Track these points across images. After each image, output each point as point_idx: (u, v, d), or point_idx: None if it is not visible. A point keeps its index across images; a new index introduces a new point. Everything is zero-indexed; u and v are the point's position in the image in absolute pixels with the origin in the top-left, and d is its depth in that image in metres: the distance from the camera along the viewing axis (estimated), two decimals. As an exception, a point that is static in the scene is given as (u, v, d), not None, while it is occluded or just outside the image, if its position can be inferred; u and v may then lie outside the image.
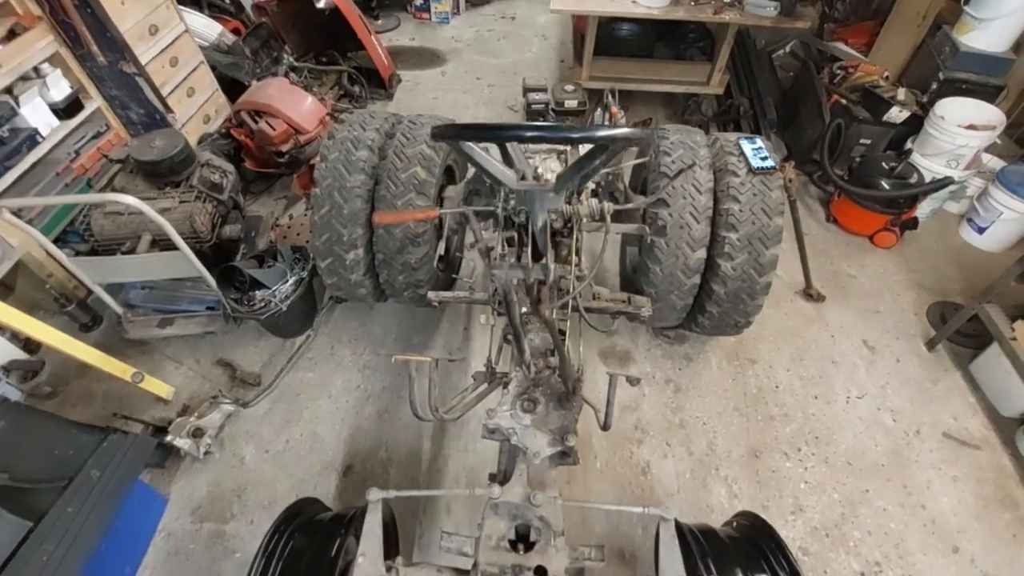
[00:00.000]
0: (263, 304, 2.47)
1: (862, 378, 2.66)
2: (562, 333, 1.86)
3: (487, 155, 1.13)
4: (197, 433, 2.28)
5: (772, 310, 2.93)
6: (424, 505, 2.22)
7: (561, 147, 2.42)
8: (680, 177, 2.11)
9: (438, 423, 2.48)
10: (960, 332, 2.75)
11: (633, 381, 1.66)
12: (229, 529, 2.19)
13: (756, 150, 2.19)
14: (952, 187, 3.23)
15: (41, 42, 2.66)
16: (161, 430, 2.32)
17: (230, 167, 2.80)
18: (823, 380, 2.65)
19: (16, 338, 2.59)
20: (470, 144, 1.08)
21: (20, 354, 2.53)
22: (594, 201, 2.03)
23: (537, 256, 1.52)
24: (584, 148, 1.37)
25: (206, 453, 2.32)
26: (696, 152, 2.21)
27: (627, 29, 4.03)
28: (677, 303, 2.27)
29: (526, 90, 3.55)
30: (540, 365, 1.61)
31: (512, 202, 1.59)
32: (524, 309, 1.29)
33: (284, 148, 3.25)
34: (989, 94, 3.25)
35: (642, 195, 2.34)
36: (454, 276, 2.92)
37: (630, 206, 2.12)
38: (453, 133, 1.04)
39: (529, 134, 1.04)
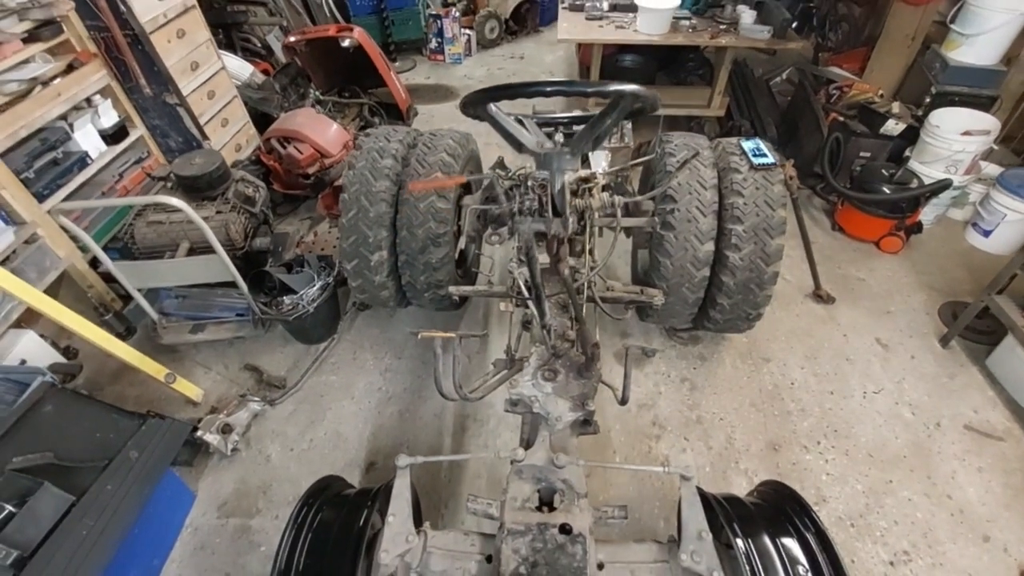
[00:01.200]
0: (291, 307, 2.58)
1: (877, 374, 2.68)
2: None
3: (511, 122, 1.27)
4: (226, 429, 2.36)
5: (783, 312, 2.99)
6: (449, 475, 2.25)
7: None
8: (685, 171, 2.24)
9: (459, 409, 2.54)
10: (973, 329, 2.78)
11: (649, 352, 1.73)
12: (254, 524, 2.22)
13: (756, 149, 2.32)
14: (954, 193, 3.33)
15: (95, 76, 2.93)
16: (192, 429, 2.40)
17: (262, 184, 2.99)
18: (838, 377, 2.67)
19: (56, 345, 2.73)
20: (496, 112, 1.21)
21: (60, 359, 2.66)
22: (605, 195, 2.15)
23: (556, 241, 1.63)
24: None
25: (233, 450, 2.38)
26: (700, 152, 2.35)
27: (630, 60, 4.28)
28: (689, 296, 2.34)
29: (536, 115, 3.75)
30: (560, 341, 1.69)
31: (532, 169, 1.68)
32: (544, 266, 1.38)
33: (310, 171, 3.46)
34: (983, 104, 3.38)
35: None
36: (474, 270, 2.99)
37: (639, 198, 2.24)
38: (481, 98, 1.18)
39: (549, 89, 1.18)
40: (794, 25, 5.50)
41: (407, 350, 2.86)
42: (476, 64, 5.82)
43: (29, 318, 2.66)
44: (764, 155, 2.28)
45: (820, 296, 3.02)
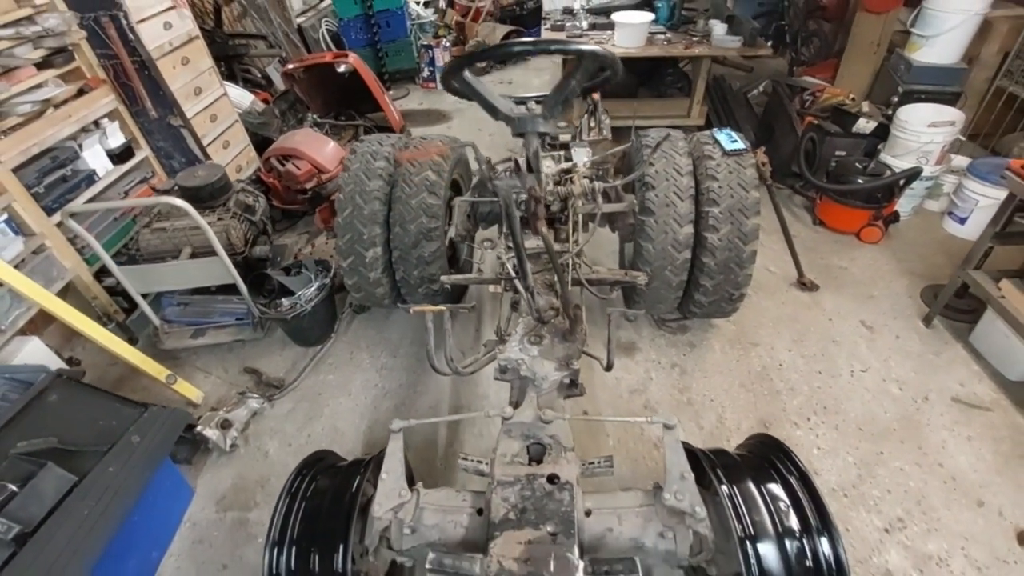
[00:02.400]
0: (289, 307, 2.66)
1: (864, 354, 2.73)
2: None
3: (489, 90, 1.38)
4: (225, 425, 2.40)
5: (769, 301, 3.06)
6: (444, 463, 2.29)
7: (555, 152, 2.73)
8: (661, 160, 2.36)
9: (454, 402, 2.58)
10: (955, 308, 2.85)
11: (630, 317, 1.79)
12: (252, 516, 2.24)
13: (728, 136, 2.45)
14: (928, 184, 3.45)
15: (104, 99, 3.09)
16: (190, 427, 2.44)
17: (261, 194, 3.12)
18: (825, 357, 2.72)
19: (59, 355, 2.79)
20: (473, 80, 1.33)
21: (63, 365, 2.72)
22: (586, 181, 2.27)
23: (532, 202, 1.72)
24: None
25: (232, 446, 2.42)
26: (675, 143, 2.48)
27: (612, 76, 4.49)
28: (672, 279, 2.42)
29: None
30: (545, 308, 1.77)
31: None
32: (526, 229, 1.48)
33: (308, 185, 3.59)
34: (948, 100, 3.54)
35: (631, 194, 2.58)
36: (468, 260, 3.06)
37: (617, 183, 2.35)
38: (458, 65, 1.29)
39: (517, 50, 1.30)
40: (770, 43, 5.80)
41: (402, 349, 2.92)
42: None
43: (33, 327, 2.74)
44: (736, 141, 2.41)
45: (804, 284, 3.10)
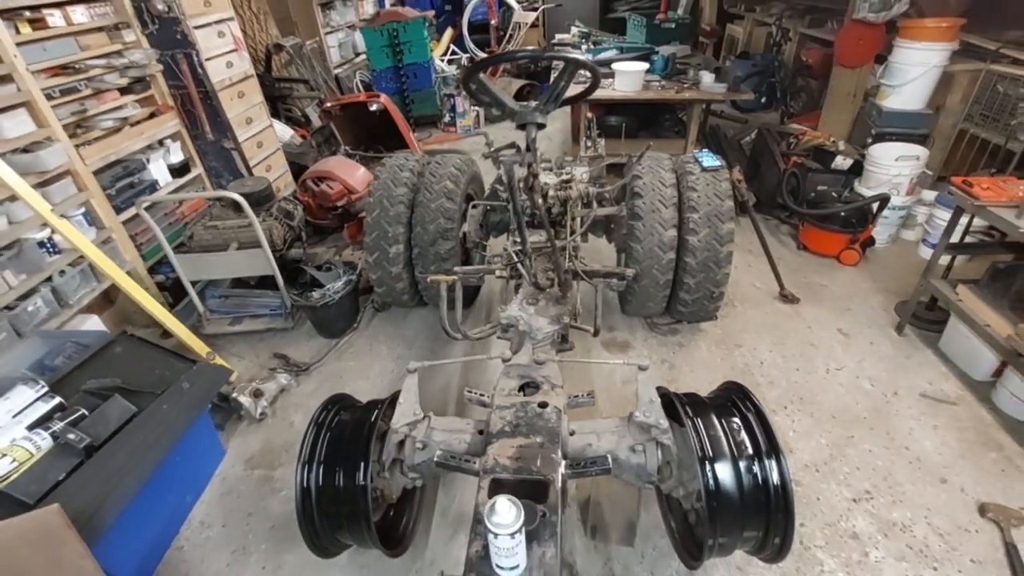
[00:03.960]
0: (319, 297, 3.00)
1: (840, 355, 2.96)
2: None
3: (500, 95, 1.76)
4: (257, 394, 2.68)
5: (753, 310, 3.33)
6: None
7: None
8: (648, 174, 2.72)
9: (462, 382, 2.82)
10: (925, 319, 3.09)
11: (615, 287, 2.09)
12: (276, 474, 2.48)
13: (706, 156, 2.83)
14: (901, 213, 3.78)
15: (170, 123, 3.60)
16: (225, 398, 2.72)
17: (300, 204, 3.54)
18: (803, 357, 2.96)
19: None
20: (487, 82, 1.70)
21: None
22: (583, 185, 2.63)
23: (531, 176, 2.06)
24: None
25: (261, 415, 2.68)
26: (661, 161, 2.86)
27: (615, 120, 4.99)
28: (659, 277, 2.72)
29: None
30: (542, 276, 2.08)
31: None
32: (524, 198, 1.80)
33: (339, 203, 4.02)
34: (917, 141, 3.93)
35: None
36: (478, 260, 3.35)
37: (608, 189, 2.71)
38: (474, 68, 1.67)
39: (519, 56, 1.68)
40: (763, 100, 6.35)
41: (417, 343, 3.21)
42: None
43: (94, 307, 3.09)
44: (713, 160, 2.79)
45: (785, 296, 3.37)
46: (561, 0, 8.68)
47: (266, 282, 3.27)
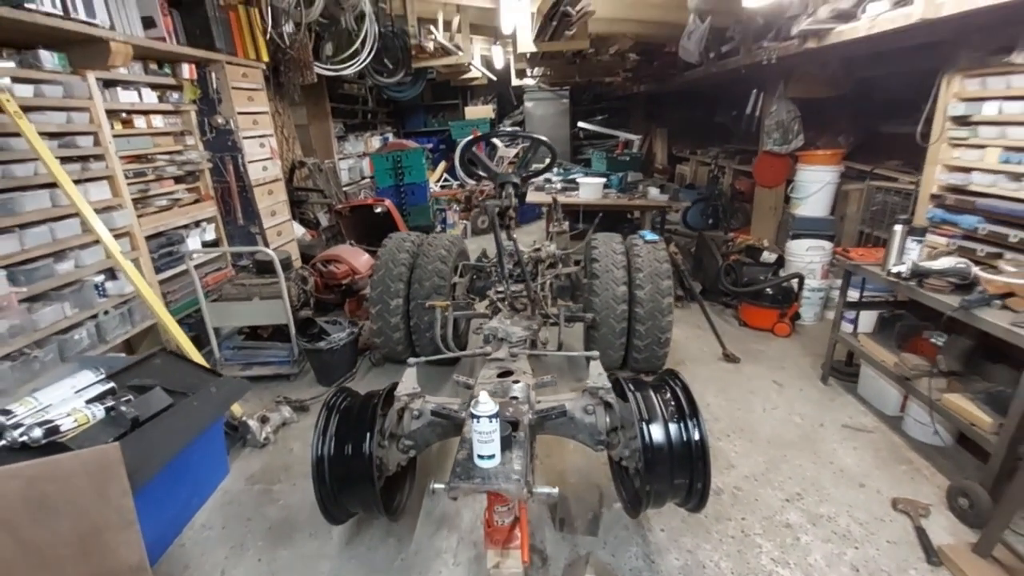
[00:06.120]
0: (326, 344, 3.45)
1: (774, 399, 3.43)
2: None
3: (487, 161, 2.45)
4: (263, 419, 3.00)
5: (700, 368, 3.84)
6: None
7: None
8: (602, 246, 3.42)
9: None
10: (845, 373, 3.64)
11: (574, 308, 2.63)
12: (275, 488, 2.73)
13: (648, 233, 3.58)
14: (820, 294, 4.51)
15: (209, 208, 4.31)
16: (233, 428, 3.03)
17: (313, 275, 4.13)
18: (743, 401, 3.41)
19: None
20: (475, 154, 2.40)
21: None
22: (552, 247, 3.30)
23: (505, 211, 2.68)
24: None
25: (265, 440, 2.98)
26: (613, 238, 3.59)
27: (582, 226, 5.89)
28: (615, 326, 3.28)
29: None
30: (517, 302, 2.63)
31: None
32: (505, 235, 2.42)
33: (344, 281, 4.63)
34: (827, 239, 4.81)
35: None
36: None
37: (571, 251, 3.38)
38: (468, 146, 2.39)
39: (500, 132, 2.41)
40: (710, 221, 7.46)
41: (407, 390, 3.59)
42: (470, 242, 7.55)
43: (121, 348, 3.47)
44: (653, 236, 3.53)
45: (727, 356, 3.92)
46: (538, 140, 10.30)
47: (275, 337, 3.72)
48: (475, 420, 1.57)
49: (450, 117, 10.90)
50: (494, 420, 1.58)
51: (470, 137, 2.40)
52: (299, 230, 5.60)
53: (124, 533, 1.87)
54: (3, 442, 1.93)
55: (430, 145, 8.90)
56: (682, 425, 2.01)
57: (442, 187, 8.79)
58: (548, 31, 5.00)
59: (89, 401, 2.18)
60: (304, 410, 3.33)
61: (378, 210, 5.47)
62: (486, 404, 1.58)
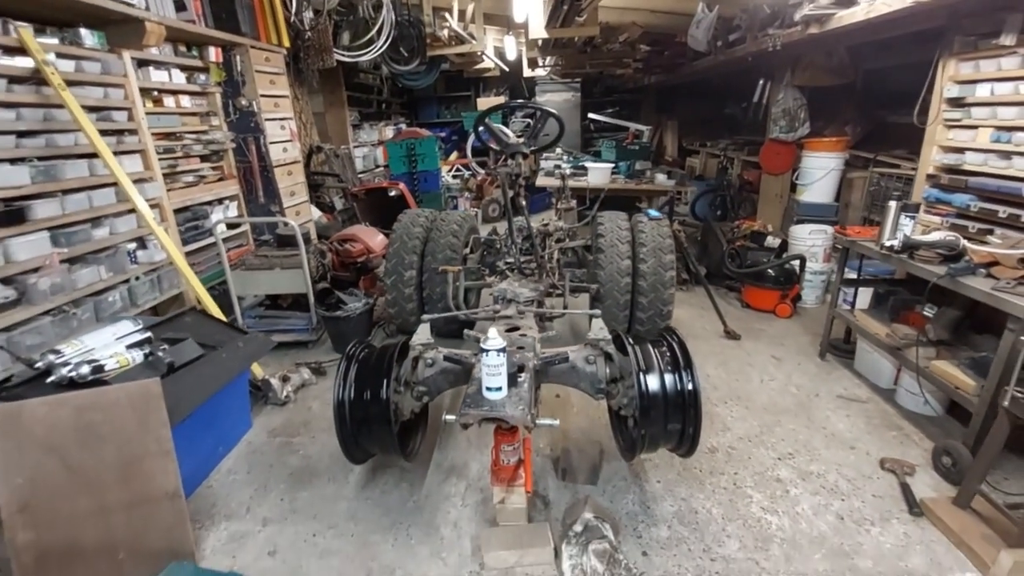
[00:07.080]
0: (343, 312, 3.63)
1: (772, 371, 3.55)
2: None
3: (499, 133, 2.61)
4: (285, 379, 3.18)
5: (702, 344, 3.97)
6: None
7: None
8: (608, 219, 3.57)
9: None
10: (842, 349, 3.75)
11: (579, 275, 2.77)
12: (296, 441, 2.91)
13: (652, 211, 3.71)
14: (821, 277, 4.61)
15: (232, 187, 4.51)
16: (256, 387, 3.21)
17: (330, 250, 4.32)
18: (742, 373, 3.54)
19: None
20: (488, 124, 2.55)
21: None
22: (560, 222, 3.45)
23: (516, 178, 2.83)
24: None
25: (285, 399, 3.16)
26: (619, 216, 3.73)
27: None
28: (620, 298, 3.42)
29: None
30: (525, 266, 2.78)
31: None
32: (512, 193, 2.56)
33: (359, 259, 4.80)
34: (830, 223, 4.91)
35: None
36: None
37: (578, 225, 3.52)
38: (481, 114, 2.54)
39: (513, 104, 2.56)
40: (719, 212, 7.56)
41: (419, 358, 3.76)
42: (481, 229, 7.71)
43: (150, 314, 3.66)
44: (657, 213, 3.66)
45: (728, 333, 4.04)
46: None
47: (295, 307, 3.90)
48: (484, 354, 1.72)
49: (462, 108, 11.08)
50: (501, 354, 1.73)
51: (487, 107, 2.55)
52: (315, 212, 5.79)
53: (162, 461, 2.05)
54: (53, 378, 2.12)
55: (443, 135, 9.05)
56: (677, 376, 2.15)
57: (454, 176, 8.95)
58: (559, 16, 5.13)
59: (129, 347, 2.36)
60: (322, 373, 3.51)
61: (392, 193, 5.64)
62: (495, 339, 1.73)
